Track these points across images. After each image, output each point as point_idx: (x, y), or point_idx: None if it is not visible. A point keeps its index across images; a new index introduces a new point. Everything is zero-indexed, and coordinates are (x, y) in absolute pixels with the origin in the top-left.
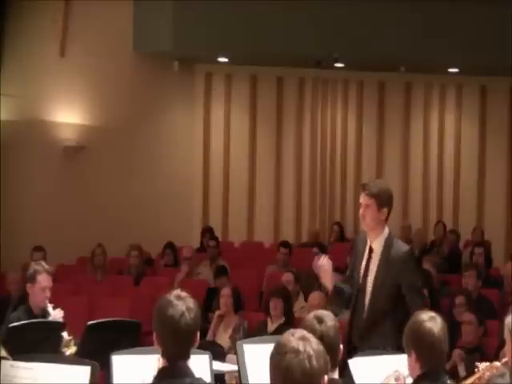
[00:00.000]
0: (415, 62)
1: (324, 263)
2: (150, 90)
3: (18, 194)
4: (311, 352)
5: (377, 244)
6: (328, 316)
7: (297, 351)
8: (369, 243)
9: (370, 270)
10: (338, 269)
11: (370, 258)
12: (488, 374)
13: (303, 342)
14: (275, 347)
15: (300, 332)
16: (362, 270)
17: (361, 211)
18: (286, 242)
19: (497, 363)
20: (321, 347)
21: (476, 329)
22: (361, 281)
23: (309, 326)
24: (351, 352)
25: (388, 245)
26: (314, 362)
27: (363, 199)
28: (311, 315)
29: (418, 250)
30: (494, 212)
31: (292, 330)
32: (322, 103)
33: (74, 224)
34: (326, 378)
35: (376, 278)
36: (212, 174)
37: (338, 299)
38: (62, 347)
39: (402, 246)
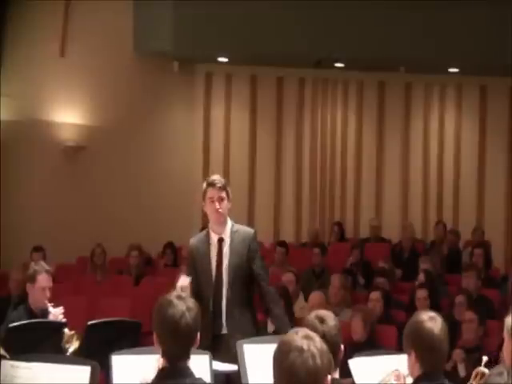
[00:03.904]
0: (415, 62)
1: (183, 282)
2: (150, 89)
3: (18, 194)
4: (315, 351)
5: (226, 233)
6: (329, 316)
7: (301, 350)
8: (215, 237)
9: (224, 258)
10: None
11: (220, 249)
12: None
13: (307, 341)
14: (279, 346)
15: (304, 331)
16: (214, 263)
17: (217, 205)
18: (282, 242)
19: (481, 369)
20: (324, 346)
21: (477, 327)
22: (214, 273)
23: (310, 325)
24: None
25: (234, 230)
26: (318, 361)
27: (218, 193)
28: (312, 315)
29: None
30: (494, 212)
31: (296, 329)
32: (322, 103)
33: (73, 224)
34: (329, 377)
35: (230, 262)
36: (212, 174)
37: None
38: (64, 343)
39: (247, 228)
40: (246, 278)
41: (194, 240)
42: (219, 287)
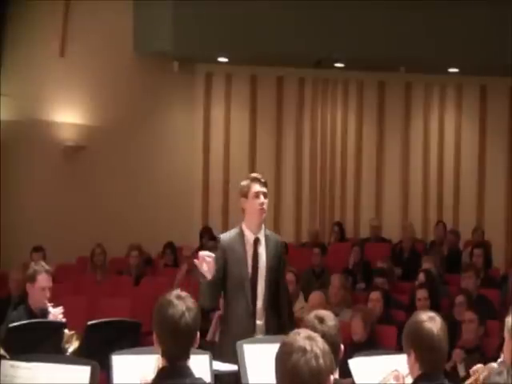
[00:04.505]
0: (415, 62)
1: (207, 253)
2: (150, 90)
3: (18, 194)
4: (318, 351)
5: (262, 234)
6: (329, 316)
7: (304, 350)
8: (251, 236)
9: (260, 259)
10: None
11: (256, 249)
12: (484, 374)
13: (310, 342)
14: (281, 347)
15: (306, 331)
16: (250, 262)
17: (262, 200)
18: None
19: (493, 364)
20: (326, 347)
21: (477, 327)
22: (250, 272)
23: (310, 325)
24: None
25: (267, 233)
26: (321, 361)
27: (264, 189)
28: (312, 315)
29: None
30: (494, 212)
31: (297, 330)
32: (322, 103)
33: (73, 224)
34: (332, 378)
35: (268, 263)
36: (212, 174)
37: (211, 291)
38: (64, 343)
39: (275, 234)
40: (278, 281)
41: (226, 237)
42: (254, 288)
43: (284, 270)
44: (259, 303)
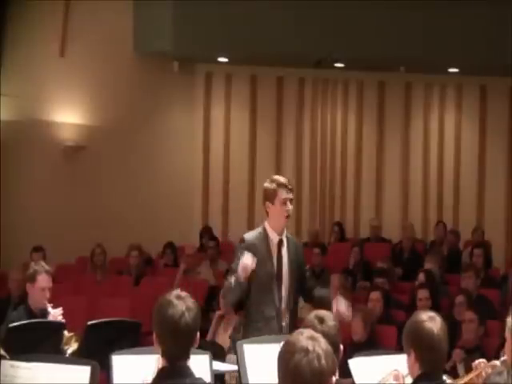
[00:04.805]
0: (415, 62)
1: (250, 259)
2: (150, 90)
3: (18, 194)
4: (320, 352)
5: (284, 236)
6: (329, 316)
7: (306, 350)
8: (275, 238)
9: (283, 260)
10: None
11: (280, 250)
12: (487, 370)
13: (312, 342)
14: (284, 346)
15: (309, 332)
16: (276, 263)
17: (289, 206)
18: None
19: (496, 362)
20: (329, 347)
21: (477, 327)
22: (275, 272)
23: (310, 325)
24: None
25: (287, 235)
26: (323, 362)
27: (291, 195)
28: (312, 315)
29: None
30: (494, 212)
31: (300, 330)
32: (322, 103)
33: (73, 224)
34: (334, 379)
35: (290, 265)
36: (212, 174)
37: (237, 292)
38: (63, 345)
39: (293, 237)
40: (301, 282)
41: (250, 237)
42: (279, 289)
43: (305, 271)
44: (283, 304)
